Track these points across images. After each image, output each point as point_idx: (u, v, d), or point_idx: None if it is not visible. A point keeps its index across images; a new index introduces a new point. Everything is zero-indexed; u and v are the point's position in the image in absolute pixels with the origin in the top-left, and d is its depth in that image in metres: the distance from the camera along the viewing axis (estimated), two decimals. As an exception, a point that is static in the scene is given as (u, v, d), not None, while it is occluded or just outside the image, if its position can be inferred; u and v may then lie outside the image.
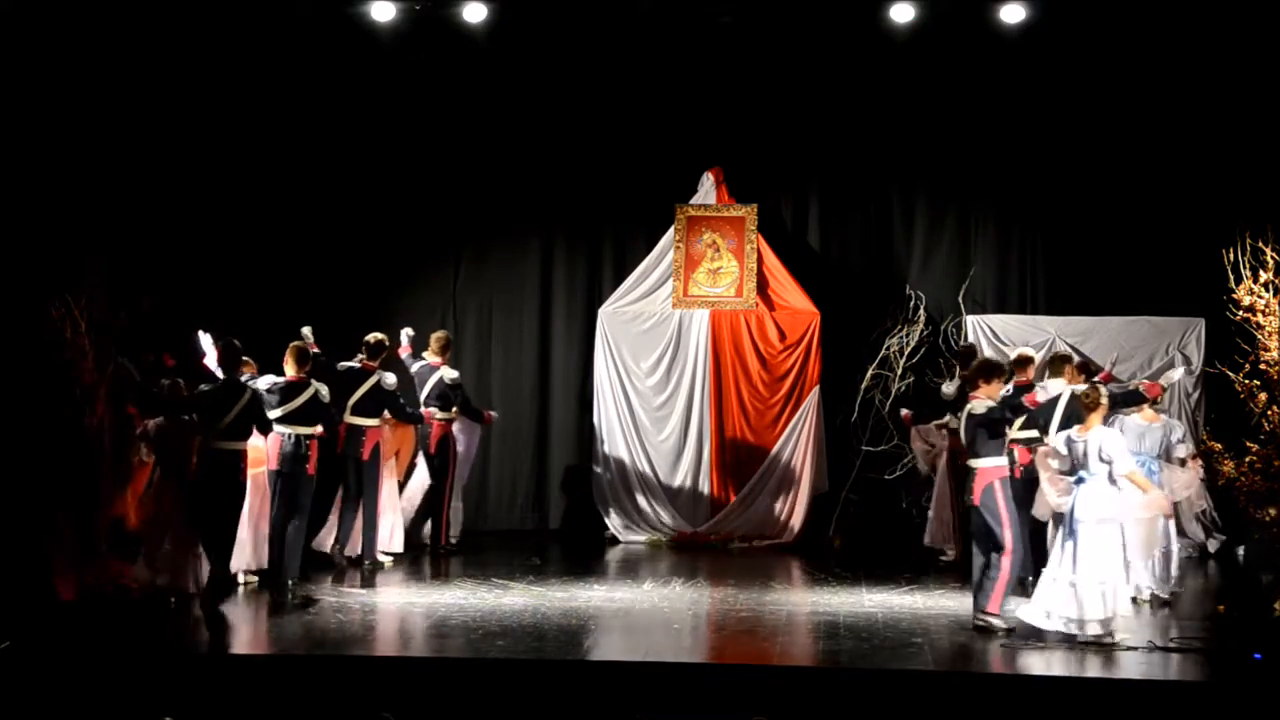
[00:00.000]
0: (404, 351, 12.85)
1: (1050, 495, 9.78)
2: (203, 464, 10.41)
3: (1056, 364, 10.84)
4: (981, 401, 9.53)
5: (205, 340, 10.97)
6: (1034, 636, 9.22)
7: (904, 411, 12.98)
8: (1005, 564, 9.46)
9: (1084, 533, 9.25)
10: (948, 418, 12.24)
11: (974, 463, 9.54)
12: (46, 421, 10.70)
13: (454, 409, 12.73)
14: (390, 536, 12.27)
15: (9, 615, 9.37)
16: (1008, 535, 9.45)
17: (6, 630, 8.93)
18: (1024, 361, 11.83)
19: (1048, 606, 9.26)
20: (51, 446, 10.65)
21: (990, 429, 9.48)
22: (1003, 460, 9.58)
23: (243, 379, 10.69)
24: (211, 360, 10.85)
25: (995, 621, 9.46)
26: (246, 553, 10.89)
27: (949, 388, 12.17)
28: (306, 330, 11.69)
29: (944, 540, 12.52)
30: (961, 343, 13.42)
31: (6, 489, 10.48)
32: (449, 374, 12.68)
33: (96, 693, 8.35)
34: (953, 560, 12.22)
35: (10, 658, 8.63)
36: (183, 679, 8.53)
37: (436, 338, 12.90)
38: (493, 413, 13.48)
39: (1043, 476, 9.88)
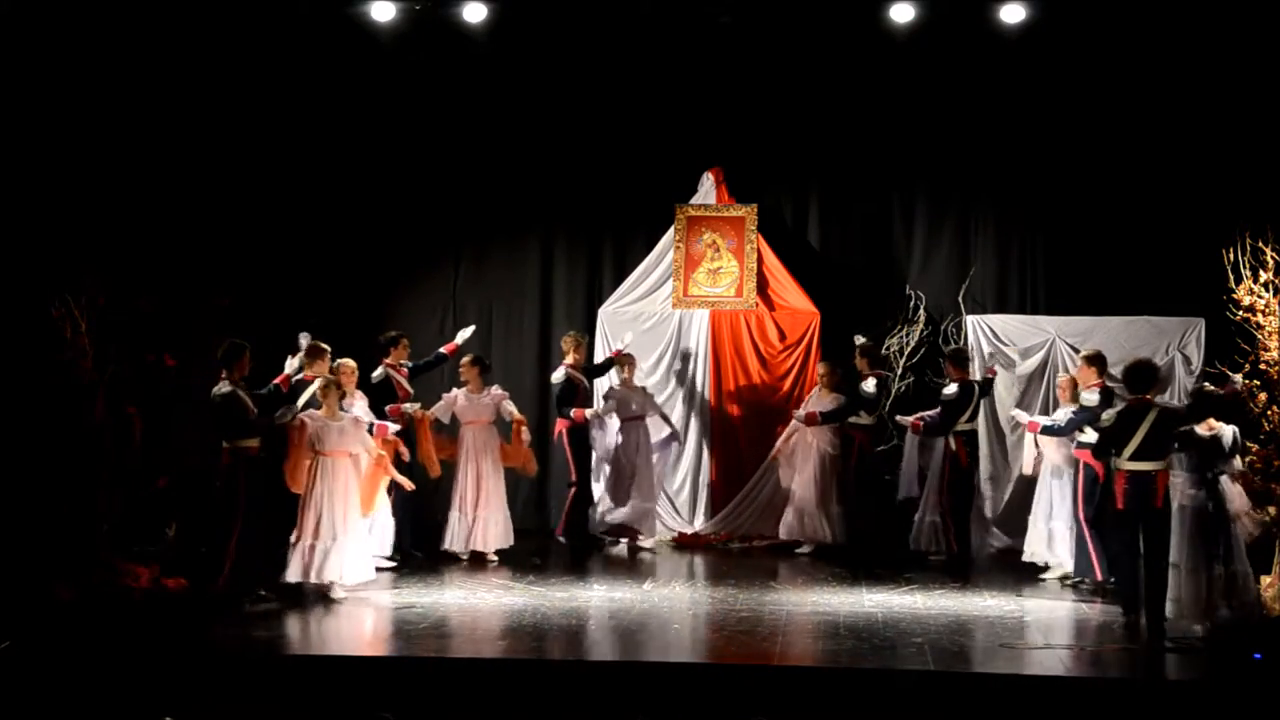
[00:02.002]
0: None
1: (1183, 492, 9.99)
2: None
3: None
4: (1169, 404, 9.60)
5: (304, 339, 11.51)
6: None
7: (808, 411, 12.95)
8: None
9: (1235, 526, 9.60)
10: (860, 416, 12.78)
11: (1154, 466, 9.54)
12: (46, 421, 10.71)
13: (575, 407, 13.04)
14: (484, 535, 12.41)
15: (9, 615, 9.37)
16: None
17: (6, 630, 8.94)
18: (962, 358, 12.42)
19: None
20: (51, 446, 10.66)
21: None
22: None
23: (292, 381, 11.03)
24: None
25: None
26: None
27: (870, 385, 12.68)
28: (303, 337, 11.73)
29: (809, 534, 12.93)
30: (961, 345, 13.44)
31: (6, 489, 10.49)
32: (555, 375, 13.06)
33: (96, 693, 8.36)
34: (809, 553, 12.82)
35: (10, 658, 8.63)
36: (183, 679, 8.53)
37: (563, 339, 13.32)
38: (585, 411, 13.20)
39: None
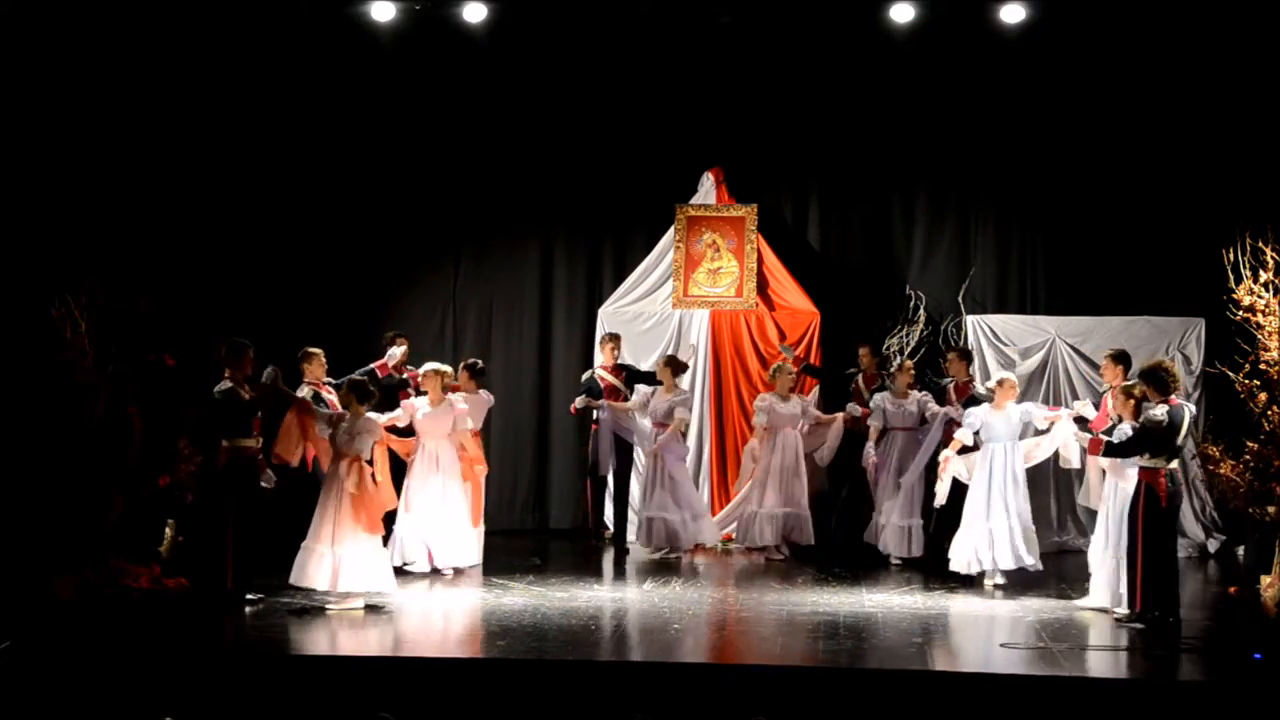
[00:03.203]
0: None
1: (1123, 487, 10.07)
2: None
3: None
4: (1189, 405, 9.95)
5: (399, 350, 12.23)
6: None
7: (857, 409, 12.80)
8: None
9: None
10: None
11: (1177, 465, 9.83)
12: (46, 421, 10.70)
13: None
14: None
15: (9, 615, 9.37)
16: None
17: (6, 630, 8.93)
18: (970, 358, 12.61)
19: None
20: (51, 446, 10.66)
21: None
22: None
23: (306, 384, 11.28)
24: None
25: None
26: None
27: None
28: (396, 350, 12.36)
29: (797, 537, 12.80)
30: (961, 344, 13.44)
31: (7, 488, 10.48)
32: (585, 374, 13.29)
33: (96, 693, 8.36)
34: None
35: (10, 658, 8.63)
36: (183, 679, 8.53)
37: (599, 340, 13.41)
38: (576, 404, 13.09)
39: (1101, 466, 10.28)
